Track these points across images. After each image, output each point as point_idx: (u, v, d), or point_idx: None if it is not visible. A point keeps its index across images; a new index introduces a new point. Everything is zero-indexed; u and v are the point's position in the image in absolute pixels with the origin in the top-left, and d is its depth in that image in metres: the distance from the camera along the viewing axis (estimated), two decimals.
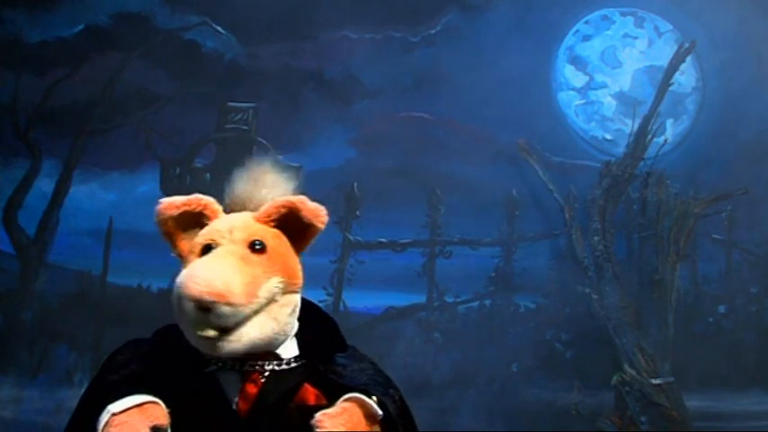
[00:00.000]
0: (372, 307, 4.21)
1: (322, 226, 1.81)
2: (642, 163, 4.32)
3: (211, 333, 1.61)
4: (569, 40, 4.47)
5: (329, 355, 1.79)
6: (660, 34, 4.48)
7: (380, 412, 1.69)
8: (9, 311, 4.24)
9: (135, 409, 1.58)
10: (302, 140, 4.36)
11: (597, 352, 4.16)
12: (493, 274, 4.20)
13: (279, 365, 1.70)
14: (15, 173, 4.32)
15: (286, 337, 1.72)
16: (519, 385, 4.13)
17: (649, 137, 4.35)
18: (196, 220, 1.76)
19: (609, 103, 4.46)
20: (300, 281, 1.76)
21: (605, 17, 4.50)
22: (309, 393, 1.69)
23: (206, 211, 1.76)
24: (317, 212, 1.80)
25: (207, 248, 1.72)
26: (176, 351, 1.70)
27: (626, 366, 4.13)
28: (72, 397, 4.14)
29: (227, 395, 1.66)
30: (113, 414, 1.57)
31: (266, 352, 1.69)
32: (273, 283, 1.68)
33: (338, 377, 1.74)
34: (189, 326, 1.64)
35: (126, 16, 4.38)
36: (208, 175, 4.37)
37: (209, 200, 1.77)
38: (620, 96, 4.45)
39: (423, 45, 4.38)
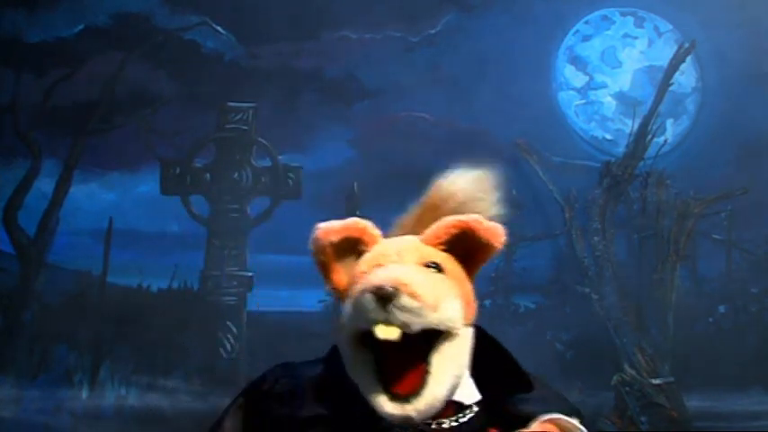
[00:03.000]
0: None
1: (500, 247, 1.59)
2: (642, 163, 4.31)
3: (393, 332, 1.41)
4: (569, 40, 4.46)
5: (513, 395, 1.57)
6: (660, 34, 4.48)
7: None
8: (9, 311, 4.24)
9: None
10: (302, 140, 4.36)
11: (597, 352, 4.16)
12: (493, 274, 4.20)
13: (463, 417, 1.50)
14: (15, 173, 4.32)
15: (461, 378, 1.52)
16: None
17: (649, 137, 4.35)
18: (353, 247, 1.58)
19: (609, 103, 4.46)
20: (475, 312, 1.57)
21: (605, 17, 4.50)
22: None
23: (364, 237, 1.58)
24: (494, 232, 1.58)
25: None
26: (344, 395, 1.51)
27: (626, 366, 4.13)
28: (72, 397, 4.16)
29: None
30: None
31: (452, 402, 1.50)
32: (456, 306, 1.49)
33: (525, 406, 1.55)
34: (367, 322, 1.43)
35: (126, 16, 4.38)
36: (208, 175, 4.37)
37: (366, 223, 1.61)
38: (620, 96, 4.45)
39: (423, 45, 4.38)
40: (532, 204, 4.29)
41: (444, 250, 1.56)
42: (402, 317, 1.41)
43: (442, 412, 1.47)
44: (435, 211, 1.63)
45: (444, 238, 1.57)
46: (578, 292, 4.21)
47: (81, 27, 4.38)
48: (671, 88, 4.40)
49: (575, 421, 1.51)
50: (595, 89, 4.48)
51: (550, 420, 1.50)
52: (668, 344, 4.17)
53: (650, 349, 4.16)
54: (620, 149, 4.35)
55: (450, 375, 1.47)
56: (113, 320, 4.18)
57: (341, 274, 1.57)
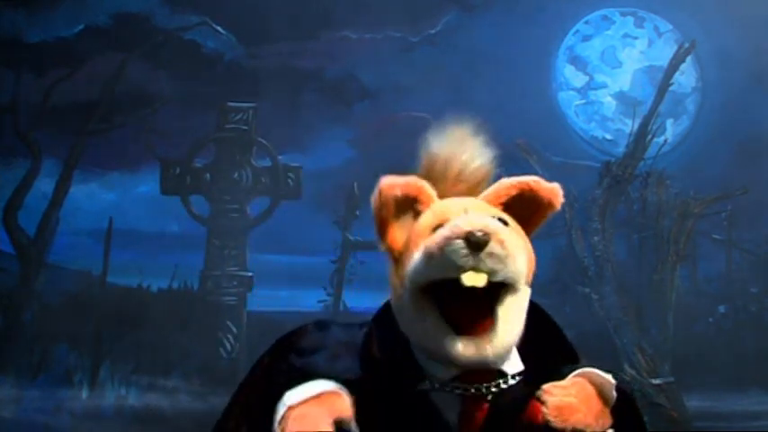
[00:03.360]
0: (372, 307, 4.18)
1: (559, 206, 1.59)
2: (642, 163, 4.32)
3: (481, 279, 1.37)
4: (569, 40, 4.47)
5: (558, 369, 1.52)
6: (660, 34, 4.48)
7: (614, 394, 1.47)
8: (9, 311, 4.24)
9: (313, 401, 1.39)
10: (302, 140, 4.36)
11: (597, 352, 4.15)
12: None
13: (505, 383, 1.46)
14: (15, 173, 4.32)
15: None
16: None
17: (649, 137, 4.35)
18: (410, 206, 1.53)
19: (609, 103, 4.46)
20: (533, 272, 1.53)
21: (605, 17, 4.50)
22: (537, 410, 1.45)
23: (421, 196, 1.52)
24: (555, 191, 1.58)
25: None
26: (378, 360, 1.49)
27: (626, 366, 4.13)
28: (72, 397, 4.16)
29: (447, 420, 1.43)
30: (290, 407, 1.39)
31: (485, 369, 1.45)
32: (524, 261, 1.46)
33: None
34: (454, 269, 1.38)
35: (126, 16, 4.38)
36: (208, 175, 4.37)
37: (424, 183, 1.54)
38: (620, 96, 4.45)
39: (423, 45, 4.38)
40: None
41: (503, 210, 1.54)
42: (490, 264, 1.39)
43: (482, 376, 1.45)
44: (430, 179, 1.59)
45: (504, 198, 1.56)
46: (578, 291, 4.21)
47: (81, 27, 4.38)
48: (671, 88, 4.40)
49: (608, 376, 1.48)
50: (595, 89, 4.48)
51: (582, 374, 1.48)
52: (668, 344, 4.17)
53: (650, 349, 4.16)
54: (620, 149, 4.36)
55: (516, 327, 1.45)
56: (113, 320, 4.18)
57: (398, 233, 1.52)
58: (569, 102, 4.47)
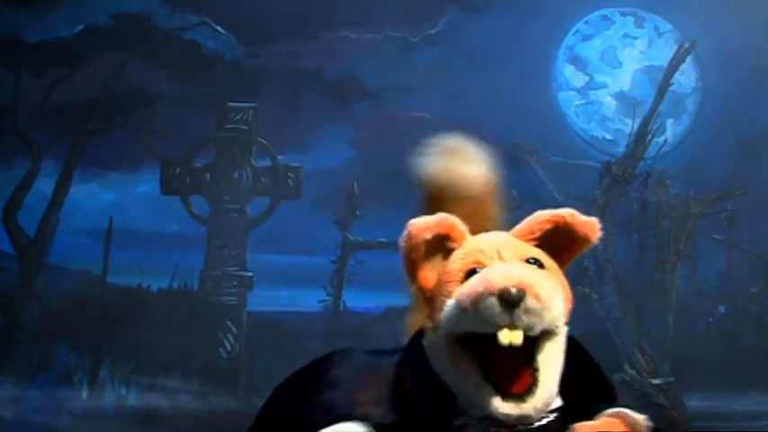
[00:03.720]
0: (372, 307, 4.21)
1: (596, 241, 1.53)
2: (642, 163, 4.31)
3: (517, 337, 1.34)
4: (569, 40, 4.46)
5: (594, 407, 1.49)
6: (660, 34, 4.48)
7: None
8: (9, 311, 4.24)
9: None
10: (302, 140, 4.36)
11: (597, 352, 4.15)
12: None
13: (540, 419, 1.42)
14: (15, 173, 4.32)
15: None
16: None
17: (649, 137, 4.35)
18: (441, 245, 1.48)
19: (609, 103, 4.46)
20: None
21: (605, 17, 4.50)
22: None
23: (453, 234, 1.48)
24: (592, 225, 1.52)
25: (472, 273, 1.43)
26: (413, 389, 1.46)
27: (626, 366, 4.13)
28: (72, 397, 4.16)
29: None
30: None
31: None
32: (561, 303, 1.43)
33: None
34: (490, 326, 1.35)
35: (126, 16, 4.38)
36: (208, 175, 4.37)
37: (455, 219, 1.50)
38: (620, 96, 4.45)
39: (423, 45, 4.38)
40: (532, 204, 4.29)
41: (536, 245, 1.51)
42: (527, 320, 1.35)
43: None
44: (440, 204, 1.58)
45: (538, 233, 1.52)
46: (578, 291, 4.20)
47: (81, 27, 4.38)
48: (671, 88, 4.40)
49: (641, 417, 1.46)
50: (595, 89, 4.48)
51: (616, 414, 1.46)
52: (668, 344, 4.17)
53: (650, 349, 4.16)
54: (620, 149, 4.35)
55: (556, 374, 1.43)
56: (113, 320, 4.18)
57: (428, 273, 1.48)
58: (569, 102, 4.46)
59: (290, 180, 4.35)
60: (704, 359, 4.15)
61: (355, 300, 4.26)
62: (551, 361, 1.42)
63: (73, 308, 4.22)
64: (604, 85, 4.48)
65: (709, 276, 4.28)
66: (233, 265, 4.30)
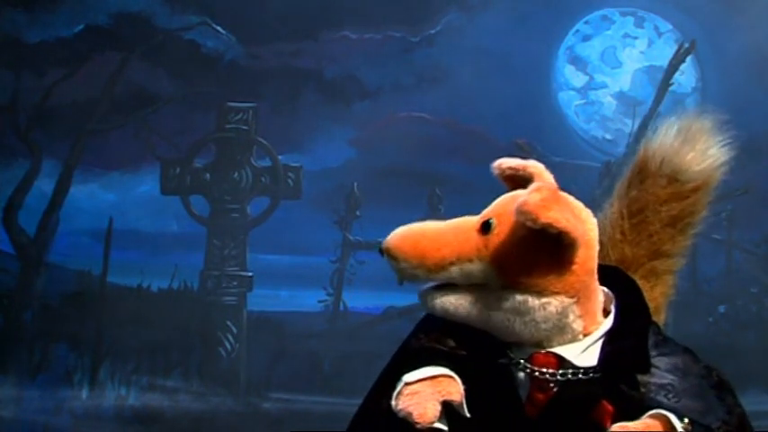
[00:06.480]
0: (372, 307, 4.21)
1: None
2: None
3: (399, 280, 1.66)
4: (569, 40, 4.46)
5: (635, 373, 1.53)
6: (660, 34, 4.48)
7: None
8: (9, 311, 4.24)
9: (428, 381, 1.48)
10: (302, 140, 4.36)
11: None
12: None
13: (574, 375, 1.49)
14: (15, 173, 4.32)
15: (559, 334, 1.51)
16: None
17: (649, 137, 4.34)
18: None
19: (609, 103, 4.46)
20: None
21: (605, 17, 4.49)
22: (606, 413, 1.48)
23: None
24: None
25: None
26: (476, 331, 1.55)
27: None
28: (72, 397, 4.16)
29: (519, 395, 1.50)
30: (406, 383, 1.49)
31: (554, 356, 1.50)
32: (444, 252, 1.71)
33: (647, 391, 1.51)
34: None
35: (126, 16, 4.38)
36: (208, 175, 4.37)
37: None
38: (620, 96, 4.45)
39: (423, 45, 4.38)
40: None
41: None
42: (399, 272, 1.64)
43: (548, 361, 1.50)
44: (642, 173, 1.69)
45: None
46: None
47: (81, 27, 4.38)
48: (671, 88, 4.40)
49: (680, 424, 1.49)
50: (595, 89, 4.48)
51: (657, 416, 1.48)
52: None
53: None
54: (620, 149, 4.35)
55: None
56: (113, 320, 4.18)
57: None
58: (569, 102, 4.46)
59: (290, 180, 4.35)
60: (704, 359, 4.14)
61: (355, 300, 4.26)
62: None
63: (73, 308, 4.22)
64: (604, 85, 4.47)
65: (709, 276, 4.28)
66: (233, 265, 4.30)
